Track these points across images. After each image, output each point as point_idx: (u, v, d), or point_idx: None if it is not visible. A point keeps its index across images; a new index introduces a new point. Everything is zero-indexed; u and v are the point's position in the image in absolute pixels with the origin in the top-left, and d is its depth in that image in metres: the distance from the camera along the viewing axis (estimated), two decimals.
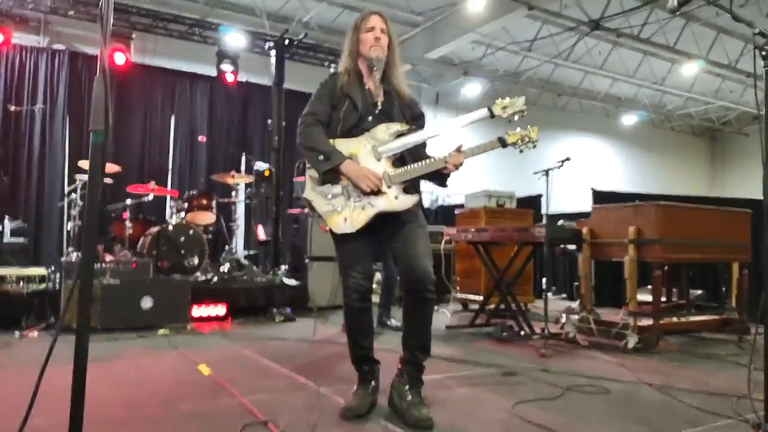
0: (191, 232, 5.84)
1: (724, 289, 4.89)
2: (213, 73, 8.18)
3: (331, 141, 2.43)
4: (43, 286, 4.82)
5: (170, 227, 5.79)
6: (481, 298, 5.51)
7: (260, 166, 7.10)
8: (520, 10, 8.58)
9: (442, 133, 2.55)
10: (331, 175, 2.39)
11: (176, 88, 8.83)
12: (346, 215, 2.39)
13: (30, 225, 7.23)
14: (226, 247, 6.44)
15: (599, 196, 6.86)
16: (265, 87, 8.53)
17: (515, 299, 4.85)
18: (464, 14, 9.07)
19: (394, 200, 2.40)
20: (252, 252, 7.76)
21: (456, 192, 7.88)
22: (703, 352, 4.11)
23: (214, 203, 6.44)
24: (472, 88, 12.53)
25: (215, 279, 5.74)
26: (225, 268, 6.08)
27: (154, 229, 5.80)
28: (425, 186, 2.69)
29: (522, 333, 4.51)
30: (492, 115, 2.52)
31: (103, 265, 4.88)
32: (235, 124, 9.23)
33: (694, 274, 5.16)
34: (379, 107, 2.53)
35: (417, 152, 2.53)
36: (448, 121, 2.60)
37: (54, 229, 7.69)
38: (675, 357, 3.92)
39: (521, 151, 2.61)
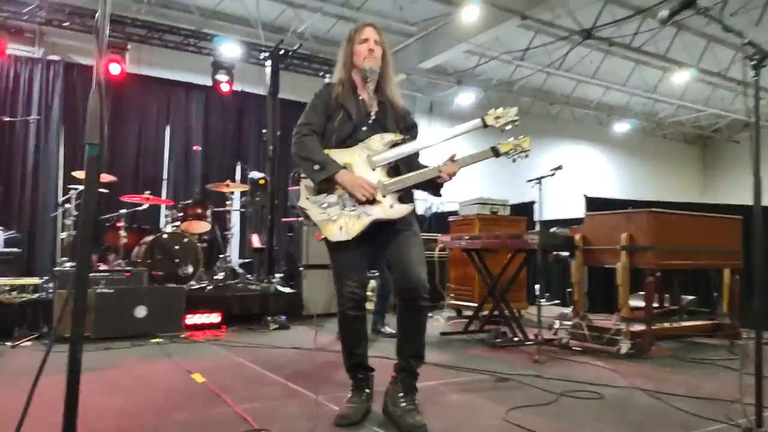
0: (186, 240, 5.85)
1: (715, 294, 4.92)
2: (208, 83, 8.22)
3: (326, 151, 2.46)
4: (36, 295, 4.82)
5: (165, 236, 5.79)
6: (475, 304, 5.53)
7: (255, 175, 7.12)
8: (513, 20, 8.66)
9: (436, 143, 2.58)
10: (326, 184, 2.41)
11: (171, 98, 8.86)
12: (342, 224, 2.41)
13: (24, 235, 7.21)
14: (221, 256, 6.44)
15: (592, 203, 6.91)
16: (260, 96, 8.56)
17: (509, 306, 4.88)
18: (458, 24, 9.15)
19: (389, 209, 2.42)
20: (247, 260, 7.76)
21: (450, 200, 7.92)
22: (695, 357, 4.13)
23: (209, 212, 6.45)
24: (466, 97, 12.61)
25: (210, 287, 5.74)
26: (219, 276, 6.08)
27: (149, 238, 5.80)
28: (419, 194, 2.71)
29: (515, 339, 4.53)
30: (485, 125, 2.55)
31: (97, 274, 4.87)
32: (230, 134, 9.25)
33: (685, 280, 5.20)
34: (373, 117, 2.55)
35: (411, 162, 2.56)
36: (441, 131, 2.63)
37: (48, 239, 7.68)
38: (667, 362, 3.95)
39: (514, 161, 2.65)
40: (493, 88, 12.50)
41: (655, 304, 4.66)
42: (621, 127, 15.64)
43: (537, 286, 4.53)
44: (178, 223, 6.21)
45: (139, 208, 6.29)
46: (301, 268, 6.09)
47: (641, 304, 4.25)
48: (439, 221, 8.66)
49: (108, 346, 4.18)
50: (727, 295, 4.76)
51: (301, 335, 5.01)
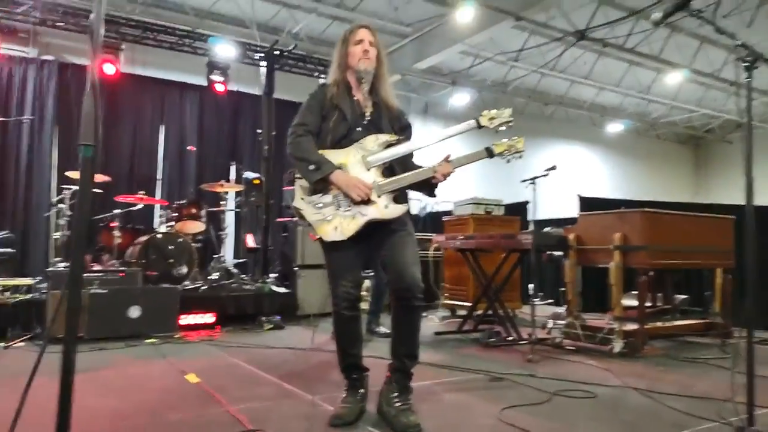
0: (180, 240, 5.84)
1: (707, 293, 4.95)
2: (203, 83, 8.20)
3: (321, 151, 2.46)
4: (29, 296, 4.80)
5: (159, 236, 5.78)
6: (469, 304, 5.54)
7: (250, 175, 7.12)
8: (508, 21, 8.69)
9: (431, 143, 2.59)
10: (321, 184, 2.42)
11: (166, 98, 8.84)
12: (336, 224, 2.41)
13: (17, 235, 7.18)
14: (215, 256, 6.43)
15: (586, 203, 6.94)
16: (255, 96, 8.56)
17: (503, 305, 4.89)
18: (453, 25, 9.17)
19: (384, 209, 2.43)
20: (241, 260, 7.75)
21: (444, 199, 7.95)
22: (687, 356, 4.16)
23: (203, 212, 6.44)
24: (461, 98, 12.64)
25: (204, 287, 5.73)
26: (214, 276, 6.07)
27: (143, 238, 5.79)
28: (413, 193, 2.72)
29: (509, 339, 4.55)
30: (479, 126, 2.57)
31: (91, 274, 4.86)
32: (225, 134, 9.24)
33: (678, 279, 5.23)
34: (368, 118, 2.56)
35: (405, 162, 2.57)
36: (436, 131, 2.64)
37: (41, 240, 7.65)
38: (660, 361, 3.97)
39: (508, 161, 2.66)
40: (487, 89, 12.54)
41: (648, 304, 4.69)
42: (614, 128, 15.73)
43: (531, 286, 4.55)
44: (172, 223, 6.20)
45: (134, 209, 6.27)
46: (295, 268, 6.09)
47: (634, 303, 4.28)
48: (434, 221, 8.67)
49: (102, 347, 4.17)
50: (720, 294, 4.79)
51: (296, 335, 5.01)
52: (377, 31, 2.65)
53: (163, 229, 6.12)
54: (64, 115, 7.86)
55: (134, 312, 4.62)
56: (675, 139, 17.87)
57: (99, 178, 6.18)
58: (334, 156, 2.46)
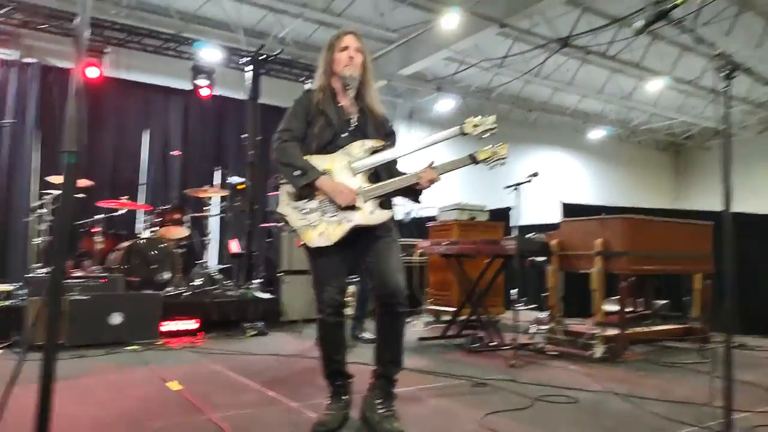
0: (163, 246, 5.79)
1: (687, 299, 5.03)
2: (188, 87, 8.14)
3: (307, 157, 2.47)
4: (8, 302, 4.72)
5: (141, 241, 5.73)
6: (453, 309, 5.56)
7: (234, 180, 7.09)
8: (492, 28, 8.77)
9: (416, 149, 2.60)
10: (307, 190, 2.42)
11: (150, 102, 8.76)
12: (322, 230, 2.42)
13: None
14: (198, 262, 6.38)
15: (568, 209, 7.01)
16: (241, 101, 8.52)
17: (486, 311, 4.92)
18: (438, 31, 9.23)
19: (370, 215, 2.44)
20: (225, 266, 7.70)
21: (429, 205, 7.98)
22: (667, 360, 4.21)
23: (187, 217, 6.39)
24: (445, 104, 12.71)
25: (187, 293, 5.68)
26: (197, 282, 6.02)
27: (125, 244, 5.73)
28: (398, 199, 2.73)
29: (492, 344, 4.57)
30: (463, 133, 2.59)
31: (72, 280, 4.80)
32: (209, 139, 9.18)
33: (658, 285, 5.30)
34: (354, 124, 2.57)
35: (390, 169, 2.59)
36: (421, 137, 2.66)
37: (21, 245, 7.52)
38: (640, 366, 4.02)
39: (491, 168, 2.68)
40: (472, 95, 12.62)
41: (629, 309, 4.75)
42: (596, 134, 15.92)
43: (514, 291, 4.58)
44: (155, 228, 6.15)
45: (116, 214, 6.21)
46: (280, 274, 6.06)
47: (615, 308, 4.33)
48: (418, 226, 8.69)
49: (82, 354, 4.11)
50: (699, 299, 4.87)
51: (280, 341, 4.99)
52: (363, 36, 2.67)
53: (146, 234, 6.07)
54: (46, 119, 7.75)
55: (116, 318, 4.56)
56: (655, 146, 18.14)
57: (81, 182, 6.10)
58: (319, 162, 2.46)
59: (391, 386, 2.48)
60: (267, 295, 6.02)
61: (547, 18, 9.42)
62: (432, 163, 2.55)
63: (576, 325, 4.72)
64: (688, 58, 11.16)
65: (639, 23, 2.52)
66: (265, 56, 7.68)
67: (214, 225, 7.55)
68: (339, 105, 2.58)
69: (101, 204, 6.15)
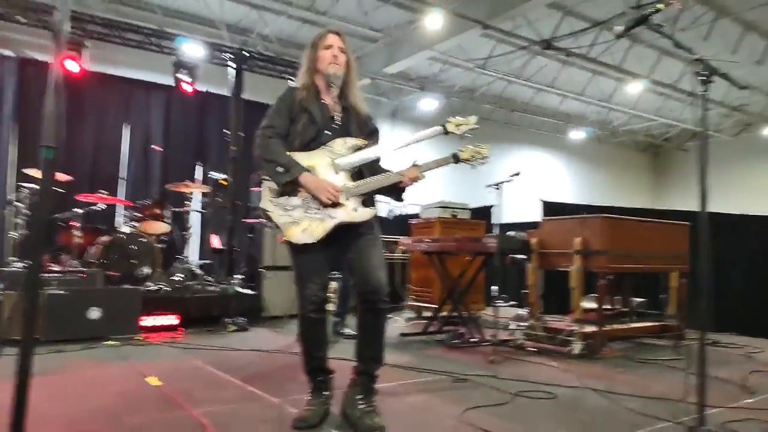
0: (143, 241, 5.73)
1: (663, 296, 5.12)
2: (170, 82, 8.04)
3: (290, 154, 2.46)
4: None
5: (121, 236, 5.66)
6: (435, 306, 5.60)
7: (216, 175, 7.04)
8: (476, 29, 8.83)
9: (399, 147, 2.62)
10: (290, 186, 2.42)
11: (131, 97, 8.63)
12: (305, 226, 2.42)
13: None
14: (179, 257, 6.33)
15: (549, 208, 7.10)
16: (223, 97, 8.44)
17: (467, 307, 4.96)
18: (422, 31, 9.27)
19: (353, 212, 2.45)
20: (206, 261, 7.64)
21: (411, 203, 8.01)
22: (643, 357, 4.30)
23: (167, 212, 6.33)
24: (429, 103, 12.75)
25: (167, 288, 5.63)
26: (177, 277, 5.97)
27: (105, 238, 5.66)
28: (381, 196, 2.75)
29: (473, 340, 4.61)
30: (446, 132, 2.61)
31: (50, 274, 4.73)
32: (191, 134, 9.07)
33: (636, 283, 5.39)
34: (337, 122, 2.58)
35: (373, 167, 2.60)
36: (404, 136, 2.68)
37: None
38: (618, 362, 4.09)
39: (473, 167, 2.71)
40: (455, 95, 12.69)
41: (607, 306, 4.82)
42: (577, 135, 16.11)
43: (494, 288, 4.62)
44: (135, 223, 6.08)
45: (95, 208, 6.12)
46: (261, 270, 6.04)
47: (594, 306, 4.40)
48: (401, 224, 8.72)
49: (59, 349, 4.05)
50: (675, 297, 4.97)
51: (261, 337, 4.97)
52: (347, 35, 2.68)
53: (125, 229, 5.99)
54: (23, 112, 7.60)
55: (94, 313, 4.51)
56: (634, 147, 18.42)
57: (60, 176, 6.01)
58: (302, 159, 2.46)
59: (372, 382, 2.49)
60: (248, 291, 6.00)
61: (529, 20, 9.51)
62: (415, 161, 2.57)
63: (555, 321, 4.78)
64: (667, 61, 11.36)
65: (619, 28, 2.57)
66: (248, 53, 7.64)
67: (195, 220, 7.48)
68: (322, 102, 2.59)
69: (80, 198, 6.06)
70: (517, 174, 4.12)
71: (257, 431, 2.36)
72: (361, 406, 2.41)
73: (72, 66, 6.86)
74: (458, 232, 6.06)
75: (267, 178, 2.49)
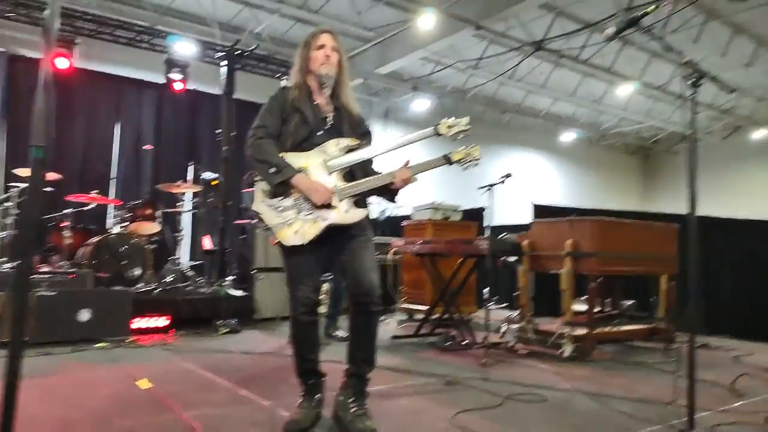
0: (134, 241, 5.69)
1: (653, 299, 5.16)
2: (161, 80, 8.00)
3: (282, 154, 2.46)
4: None
5: (111, 237, 5.62)
6: (427, 308, 5.60)
7: (208, 176, 7.00)
8: (468, 30, 8.84)
9: (391, 149, 2.62)
10: (282, 187, 2.42)
11: (122, 95, 8.58)
12: (297, 228, 2.41)
13: None
14: (170, 258, 6.29)
15: (540, 210, 7.13)
16: (215, 96, 8.40)
17: (458, 309, 4.97)
18: (414, 32, 9.27)
19: (345, 213, 2.45)
20: (197, 262, 7.61)
21: (404, 204, 8.02)
22: (633, 360, 4.32)
23: (159, 213, 6.29)
24: (421, 104, 12.76)
25: (158, 290, 5.60)
26: (169, 278, 5.94)
27: (95, 239, 5.61)
28: (374, 198, 2.75)
29: (464, 342, 4.62)
30: (438, 134, 2.62)
31: (39, 275, 4.69)
32: (183, 133, 9.04)
33: (626, 285, 5.42)
34: (330, 123, 2.57)
35: (365, 168, 2.60)
36: (396, 137, 2.68)
37: None
38: (608, 365, 4.12)
39: (465, 169, 2.72)
40: (447, 95, 12.70)
41: (597, 309, 4.85)
42: (568, 137, 16.19)
43: (486, 290, 4.63)
44: (126, 223, 6.04)
45: (86, 208, 6.08)
46: (253, 271, 6.02)
47: (584, 308, 4.42)
48: (393, 225, 8.73)
49: (48, 352, 4.02)
50: (664, 300, 5.00)
51: (253, 339, 4.96)
52: (339, 34, 2.67)
53: (116, 229, 5.96)
54: (12, 109, 7.54)
55: (84, 315, 4.47)
56: (624, 149, 18.53)
57: (50, 176, 5.95)
58: (295, 159, 2.46)
59: (363, 385, 2.49)
60: (240, 293, 5.98)
61: (521, 21, 9.54)
62: (407, 162, 2.57)
63: (546, 324, 4.79)
64: (657, 64, 11.44)
65: (610, 30, 2.59)
66: (240, 51, 7.61)
67: (186, 221, 7.45)
68: (315, 103, 2.58)
69: (70, 198, 6.02)
70: (509, 176, 4.13)
71: None
72: (353, 409, 2.41)
73: (62, 63, 6.81)
74: (450, 234, 6.07)
75: (259, 178, 2.48)
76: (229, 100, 7.40)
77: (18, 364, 1.57)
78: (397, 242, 5.65)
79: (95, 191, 6.08)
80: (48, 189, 6.01)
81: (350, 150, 2.52)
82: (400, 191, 2.60)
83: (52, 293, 4.40)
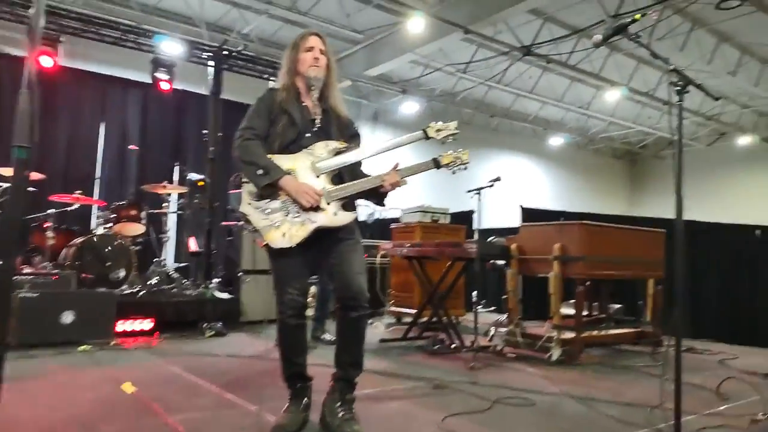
0: (118, 243, 5.62)
1: (640, 303, 5.19)
2: (147, 80, 7.92)
3: (270, 156, 2.43)
4: None
5: (95, 238, 5.55)
6: (415, 311, 5.59)
7: (194, 176, 6.94)
8: (457, 34, 8.87)
9: (379, 152, 2.60)
10: (269, 189, 2.39)
11: (107, 94, 8.48)
12: (285, 230, 2.39)
13: None
14: (155, 260, 6.22)
15: (528, 214, 7.16)
16: (202, 96, 8.34)
17: (447, 312, 4.96)
18: (404, 34, 9.28)
19: (334, 216, 2.43)
20: (183, 264, 7.53)
21: (392, 207, 8.01)
22: (620, 363, 4.35)
23: (143, 214, 6.22)
24: (410, 106, 12.78)
25: (143, 292, 5.53)
26: (153, 280, 5.87)
27: (79, 240, 5.54)
28: (362, 200, 2.73)
29: (452, 346, 4.61)
30: (427, 137, 2.61)
31: (21, 277, 4.61)
32: (169, 133, 8.95)
33: (613, 289, 5.45)
34: (318, 125, 2.56)
35: (354, 170, 2.58)
36: (385, 139, 2.67)
37: None
38: (595, 369, 4.13)
39: (453, 172, 2.71)
40: (436, 99, 12.73)
41: (585, 313, 4.86)
42: (556, 141, 16.30)
43: (474, 294, 4.63)
44: (110, 224, 5.96)
45: (69, 209, 5.99)
46: (240, 273, 5.97)
47: (572, 312, 4.43)
48: (381, 228, 8.72)
49: (31, 354, 3.95)
50: (651, 304, 5.03)
51: (239, 343, 4.91)
52: (328, 36, 2.66)
53: (100, 230, 5.87)
54: None
55: (67, 317, 4.40)
56: (612, 154, 18.69)
57: (33, 176, 5.86)
58: (282, 161, 2.43)
59: (351, 389, 2.47)
60: (226, 295, 5.92)
61: (510, 26, 9.58)
62: (397, 165, 2.55)
63: (534, 327, 4.80)
64: (645, 70, 11.55)
65: (598, 37, 2.60)
66: (228, 52, 7.56)
67: (172, 222, 7.37)
68: (303, 105, 2.57)
69: (54, 198, 5.93)
70: (498, 179, 4.13)
71: None
72: (341, 413, 2.38)
73: (47, 62, 6.72)
74: (439, 237, 6.06)
75: (246, 180, 2.45)
76: (216, 101, 7.36)
77: (0, 367, 1.53)
78: (385, 245, 5.64)
79: (79, 191, 5.99)
80: (31, 189, 5.92)
81: (339, 152, 2.51)
82: (389, 194, 2.59)
83: (35, 295, 4.32)
